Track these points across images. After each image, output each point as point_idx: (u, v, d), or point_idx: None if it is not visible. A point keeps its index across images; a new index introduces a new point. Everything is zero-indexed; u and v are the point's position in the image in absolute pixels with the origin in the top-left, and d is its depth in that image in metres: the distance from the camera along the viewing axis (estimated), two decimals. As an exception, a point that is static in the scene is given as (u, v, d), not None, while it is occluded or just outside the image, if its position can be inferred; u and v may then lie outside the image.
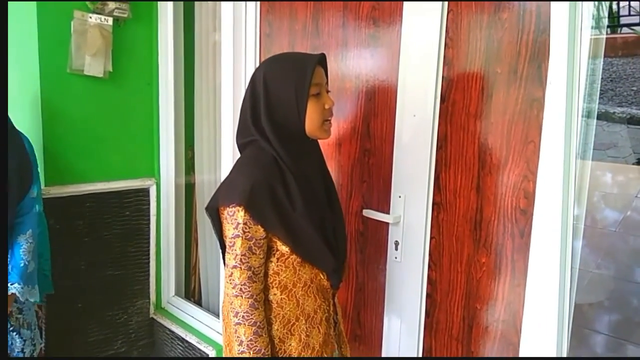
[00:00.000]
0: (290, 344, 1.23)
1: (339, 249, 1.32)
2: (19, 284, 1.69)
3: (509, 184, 1.39)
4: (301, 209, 1.19)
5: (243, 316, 1.16)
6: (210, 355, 2.31)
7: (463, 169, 1.49)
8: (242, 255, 1.16)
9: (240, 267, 1.16)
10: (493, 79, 1.41)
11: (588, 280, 3.29)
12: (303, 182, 1.22)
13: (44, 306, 2.20)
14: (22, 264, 1.71)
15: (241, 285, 1.16)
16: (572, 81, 1.25)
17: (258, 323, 1.17)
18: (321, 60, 1.27)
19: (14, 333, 1.79)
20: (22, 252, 1.72)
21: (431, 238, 1.58)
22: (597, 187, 4.46)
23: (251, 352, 1.16)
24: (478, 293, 1.48)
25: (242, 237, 1.15)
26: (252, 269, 1.17)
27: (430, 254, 1.58)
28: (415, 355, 1.64)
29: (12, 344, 1.78)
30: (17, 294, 1.68)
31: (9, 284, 1.67)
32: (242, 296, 1.16)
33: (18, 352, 1.79)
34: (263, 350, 1.17)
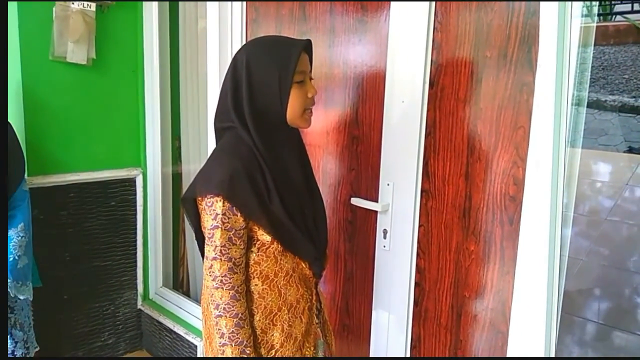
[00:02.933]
0: (273, 335, 1.21)
1: (320, 238, 1.30)
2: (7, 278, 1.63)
3: (498, 170, 1.37)
4: (277, 202, 1.16)
5: (224, 308, 1.14)
6: (198, 346, 2.29)
7: (452, 156, 1.47)
8: (222, 247, 1.13)
9: (221, 259, 1.13)
10: (482, 63, 1.38)
11: (578, 268, 3.30)
12: (280, 174, 1.19)
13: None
14: (10, 259, 1.66)
15: (222, 277, 1.13)
16: (561, 69, 1.22)
17: (240, 315, 1.14)
18: (306, 46, 1.23)
19: None
20: (11, 246, 1.67)
21: (420, 226, 1.56)
22: (588, 175, 4.47)
23: (233, 344, 1.14)
24: (467, 281, 1.47)
25: (221, 227, 1.12)
26: (233, 260, 1.14)
27: (419, 242, 1.57)
28: (404, 344, 1.63)
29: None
30: None
31: None
32: (222, 288, 1.14)
33: (9, 354, 1.72)
34: (245, 342, 1.15)
